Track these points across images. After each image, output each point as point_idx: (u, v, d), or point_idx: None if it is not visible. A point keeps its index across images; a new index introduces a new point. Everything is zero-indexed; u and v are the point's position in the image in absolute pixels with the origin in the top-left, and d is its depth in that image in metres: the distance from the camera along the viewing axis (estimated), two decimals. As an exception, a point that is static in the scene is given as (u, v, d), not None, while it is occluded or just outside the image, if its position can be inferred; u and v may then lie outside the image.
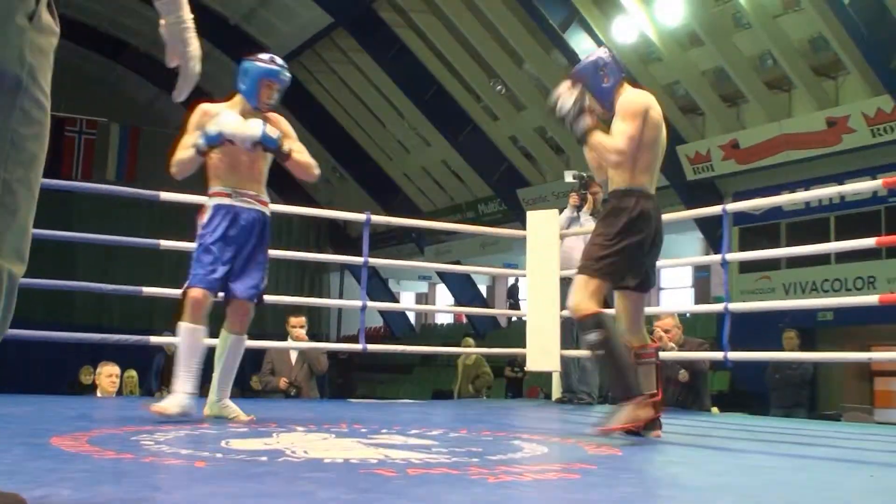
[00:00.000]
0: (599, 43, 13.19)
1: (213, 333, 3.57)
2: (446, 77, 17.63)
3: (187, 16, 1.60)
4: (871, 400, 12.51)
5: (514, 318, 17.76)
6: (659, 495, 2.02)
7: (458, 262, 17.27)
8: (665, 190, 12.58)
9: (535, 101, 16.62)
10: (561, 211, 5.79)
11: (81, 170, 19.44)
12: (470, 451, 2.55)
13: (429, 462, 2.21)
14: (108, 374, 6.41)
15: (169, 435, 2.65)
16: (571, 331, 5.55)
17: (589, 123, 3.16)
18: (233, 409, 3.46)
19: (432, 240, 20.48)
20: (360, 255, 5.30)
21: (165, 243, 4.65)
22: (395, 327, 22.57)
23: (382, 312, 21.65)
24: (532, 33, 15.31)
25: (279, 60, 3.55)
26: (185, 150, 3.42)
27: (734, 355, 4.61)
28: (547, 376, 6.08)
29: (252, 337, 3.75)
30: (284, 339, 6.26)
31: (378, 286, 21.46)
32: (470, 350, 9.34)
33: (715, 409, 5.89)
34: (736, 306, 5.01)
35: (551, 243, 5.60)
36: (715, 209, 5.13)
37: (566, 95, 3.20)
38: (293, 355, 6.45)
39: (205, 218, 3.47)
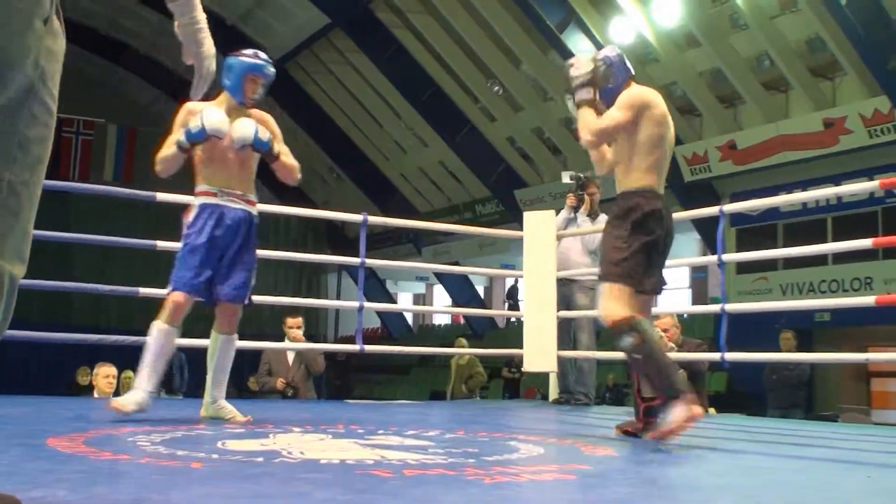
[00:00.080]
0: (597, 43, 13.20)
1: (205, 334, 3.58)
2: (443, 78, 17.64)
3: (201, 17, 1.63)
4: (867, 401, 12.54)
5: (512, 319, 17.79)
6: (655, 496, 2.02)
7: (455, 263, 17.25)
8: (662, 191, 12.58)
9: (533, 102, 16.64)
10: (558, 212, 5.78)
11: (79, 170, 19.46)
12: (466, 451, 2.55)
13: (425, 463, 2.21)
14: (105, 375, 6.39)
15: (165, 436, 2.65)
16: (568, 331, 5.56)
17: (588, 97, 3.14)
18: (229, 409, 3.44)
19: (430, 240, 20.49)
20: (357, 255, 5.28)
21: (162, 244, 4.63)
22: (393, 328, 22.57)
23: (380, 313, 21.65)
24: (529, 34, 15.32)
25: (263, 55, 3.52)
26: (168, 148, 3.39)
27: (731, 356, 4.60)
28: (544, 377, 6.07)
29: (249, 337, 3.75)
30: (281, 339, 6.25)
31: (375, 287, 21.48)
32: (463, 350, 9.32)
33: (712, 410, 5.87)
34: (733, 307, 5.01)
35: (548, 244, 5.59)
36: (712, 210, 5.13)
37: (586, 62, 3.19)
38: (290, 356, 6.44)
39: (190, 217, 3.44)
